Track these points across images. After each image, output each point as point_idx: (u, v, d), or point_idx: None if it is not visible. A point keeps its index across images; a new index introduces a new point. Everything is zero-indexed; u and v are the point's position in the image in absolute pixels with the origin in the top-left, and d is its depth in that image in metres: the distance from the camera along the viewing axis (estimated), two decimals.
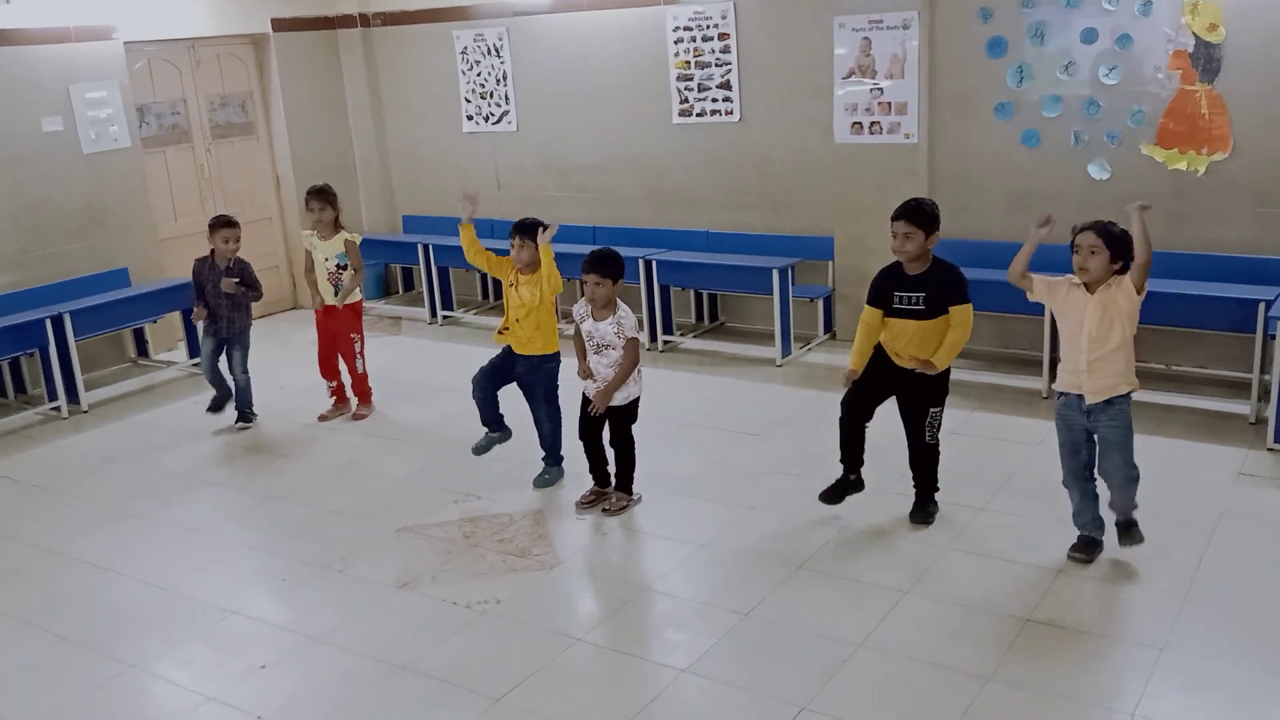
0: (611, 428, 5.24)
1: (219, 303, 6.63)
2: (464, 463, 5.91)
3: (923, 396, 4.82)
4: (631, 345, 5.06)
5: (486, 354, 5.67)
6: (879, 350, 4.90)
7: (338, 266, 6.70)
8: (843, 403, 4.99)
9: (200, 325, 6.80)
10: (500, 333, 5.52)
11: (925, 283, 4.69)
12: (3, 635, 4.54)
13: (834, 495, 5.05)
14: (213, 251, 6.64)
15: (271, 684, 4.08)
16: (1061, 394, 4.46)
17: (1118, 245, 4.18)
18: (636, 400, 5.21)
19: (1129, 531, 4.51)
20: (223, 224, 6.62)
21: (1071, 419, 4.43)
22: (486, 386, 5.58)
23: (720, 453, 5.98)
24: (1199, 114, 6.35)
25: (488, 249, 5.65)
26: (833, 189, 7.64)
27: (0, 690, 4.14)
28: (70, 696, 4.05)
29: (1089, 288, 4.28)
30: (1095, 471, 4.49)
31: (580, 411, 5.26)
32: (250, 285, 6.69)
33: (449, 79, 9.40)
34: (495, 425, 5.68)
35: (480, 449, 5.69)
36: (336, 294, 6.73)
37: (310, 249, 6.74)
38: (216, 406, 6.87)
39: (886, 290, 4.78)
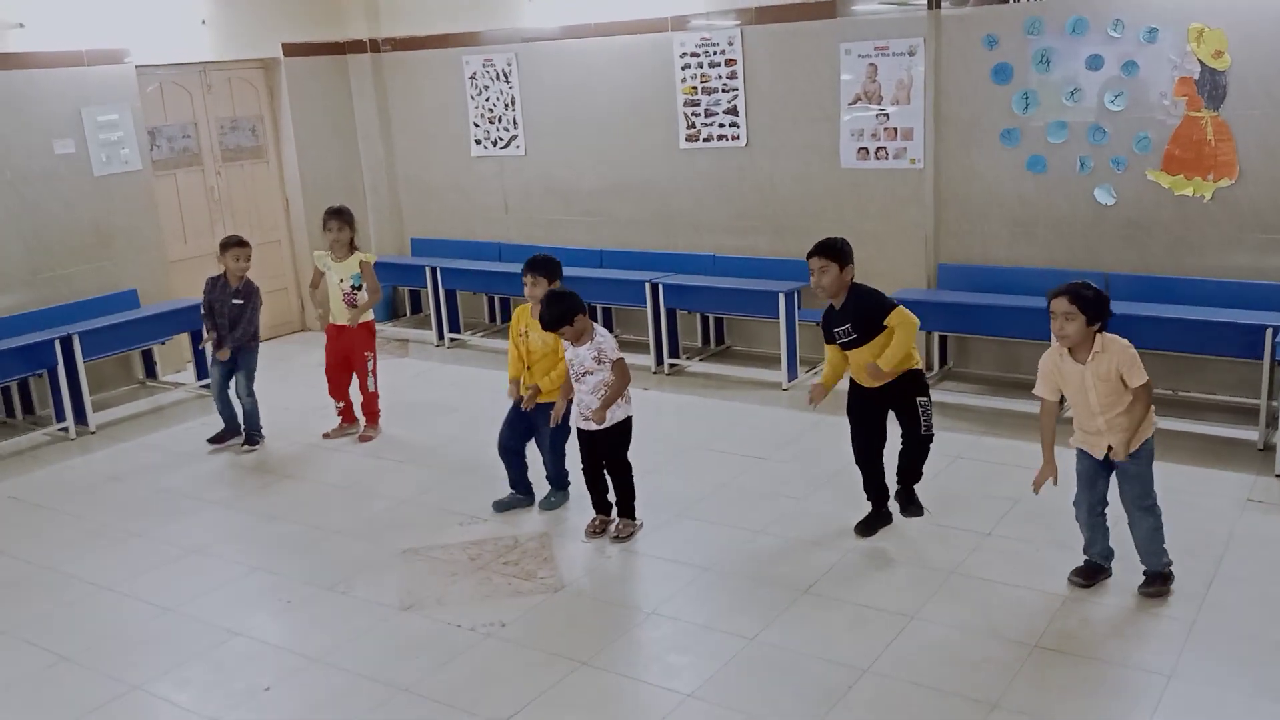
0: (606, 454, 5.22)
1: (224, 321, 6.67)
2: (469, 485, 5.92)
3: (905, 393, 4.99)
4: (619, 366, 5.07)
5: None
6: (852, 384, 5.12)
7: (353, 288, 6.70)
8: (853, 447, 5.16)
9: (209, 350, 6.83)
10: (513, 381, 5.53)
11: (847, 314, 4.94)
12: (3, 654, 4.54)
13: (866, 529, 5.18)
14: (225, 272, 6.68)
15: (272, 705, 4.06)
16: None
17: (1092, 308, 4.17)
18: (628, 420, 5.21)
19: (1152, 584, 4.43)
20: (234, 243, 6.67)
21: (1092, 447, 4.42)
22: (510, 442, 5.61)
23: (725, 476, 5.97)
24: (1205, 140, 6.36)
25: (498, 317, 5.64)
26: (838, 214, 7.65)
27: None
28: (71, 717, 4.04)
29: (1075, 354, 4.27)
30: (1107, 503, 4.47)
31: (580, 445, 5.26)
32: (248, 307, 6.70)
33: (458, 104, 9.46)
34: (522, 487, 5.69)
35: (502, 506, 5.66)
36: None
37: (324, 270, 6.75)
38: (220, 439, 6.88)
39: (827, 327, 5.05)
